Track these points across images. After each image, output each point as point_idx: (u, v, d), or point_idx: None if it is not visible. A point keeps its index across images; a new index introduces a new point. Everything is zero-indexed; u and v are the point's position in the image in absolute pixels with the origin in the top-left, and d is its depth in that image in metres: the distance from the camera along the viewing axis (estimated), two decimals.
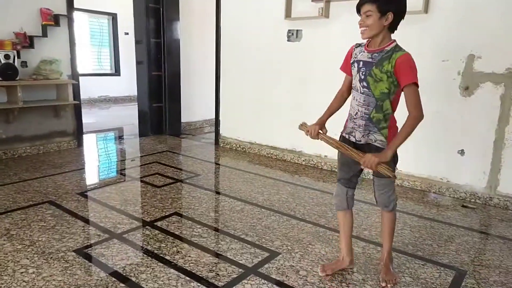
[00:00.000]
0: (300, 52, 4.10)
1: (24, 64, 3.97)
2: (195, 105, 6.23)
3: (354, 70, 1.86)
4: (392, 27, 1.77)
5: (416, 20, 3.21)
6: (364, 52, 1.82)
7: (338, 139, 1.95)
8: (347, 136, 1.95)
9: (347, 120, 1.97)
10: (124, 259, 2.17)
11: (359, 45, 1.89)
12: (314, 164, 4.18)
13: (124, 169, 4.07)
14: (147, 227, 2.61)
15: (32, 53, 4.05)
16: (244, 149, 4.81)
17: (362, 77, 1.81)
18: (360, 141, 1.87)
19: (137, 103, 5.78)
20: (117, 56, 9.13)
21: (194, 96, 6.16)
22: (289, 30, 4.13)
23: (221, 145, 5.06)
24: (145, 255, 2.22)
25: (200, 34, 6.05)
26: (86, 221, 2.67)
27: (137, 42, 5.46)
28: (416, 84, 1.70)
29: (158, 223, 2.67)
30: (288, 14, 4.06)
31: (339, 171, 2.03)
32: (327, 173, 3.96)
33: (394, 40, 1.78)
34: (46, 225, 2.56)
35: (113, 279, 1.98)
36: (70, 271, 2.03)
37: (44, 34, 4.09)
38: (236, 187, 3.46)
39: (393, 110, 1.83)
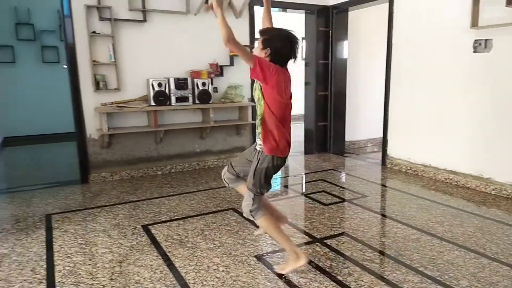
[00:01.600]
0: (490, 65, 3.59)
1: (215, 89, 4.69)
2: (359, 124, 6.15)
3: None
4: (277, 61, 2.07)
5: None
6: None
7: None
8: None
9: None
10: (298, 272, 2.28)
11: None
12: (508, 195, 3.54)
13: (291, 184, 4.30)
14: (317, 243, 2.69)
15: (222, 80, 4.76)
16: (416, 172, 4.46)
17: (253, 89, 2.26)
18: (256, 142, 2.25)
19: (303, 122, 6.07)
20: None
21: (358, 115, 6.08)
22: (475, 40, 3.67)
23: (389, 166, 4.81)
24: (317, 271, 2.29)
25: (367, 52, 5.97)
26: None
27: (306, 65, 5.76)
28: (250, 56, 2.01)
29: (328, 241, 2.71)
30: (475, 23, 3.62)
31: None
32: None
33: None
34: (231, 229, 2.92)
35: None
36: (252, 275, 2.25)
37: (231, 63, 4.76)
38: (408, 213, 3.22)
39: (270, 115, 2.06)
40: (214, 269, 2.32)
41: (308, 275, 2.24)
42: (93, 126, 4.17)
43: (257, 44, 2.12)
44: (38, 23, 6.90)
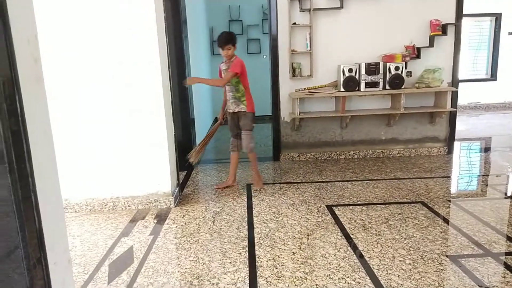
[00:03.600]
0: None
1: (409, 73, 4.39)
2: None
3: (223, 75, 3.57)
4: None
5: None
6: (224, 64, 3.55)
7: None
8: (230, 110, 3.61)
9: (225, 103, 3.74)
10: (503, 282, 1.98)
11: (222, 62, 3.59)
12: None
13: (497, 184, 3.67)
14: None
15: (417, 63, 4.41)
16: None
17: None
18: (235, 110, 3.57)
19: None
20: (495, 59, 8.28)
21: None
22: None
23: None
24: None
25: None
26: (459, 230, 2.63)
27: None
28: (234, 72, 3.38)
29: None
30: None
31: (231, 132, 3.73)
32: None
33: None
34: (419, 223, 2.75)
35: None
36: (443, 275, 2.08)
37: (431, 45, 4.34)
38: None
39: (247, 89, 3.55)
40: (400, 261, 2.25)
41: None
42: (286, 110, 4.57)
43: (226, 50, 3.44)
44: (246, 19, 7.91)
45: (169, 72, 3.35)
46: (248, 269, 2.23)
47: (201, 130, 5.39)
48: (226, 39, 3.41)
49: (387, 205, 3.14)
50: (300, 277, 2.12)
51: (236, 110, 3.57)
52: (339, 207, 3.13)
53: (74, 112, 3.09)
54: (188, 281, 2.13)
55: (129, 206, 3.26)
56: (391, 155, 4.69)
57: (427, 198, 3.23)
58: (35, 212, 1.04)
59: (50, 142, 1.17)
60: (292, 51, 4.37)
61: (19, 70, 0.97)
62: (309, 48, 4.37)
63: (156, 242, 2.63)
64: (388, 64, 4.21)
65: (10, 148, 0.95)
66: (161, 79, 3.08)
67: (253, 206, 3.23)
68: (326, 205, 3.17)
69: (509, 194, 3.38)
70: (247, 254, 2.41)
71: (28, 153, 1.01)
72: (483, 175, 4.02)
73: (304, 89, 4.46)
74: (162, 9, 3.22)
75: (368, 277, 2.08)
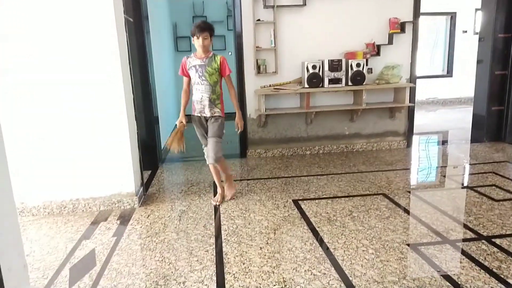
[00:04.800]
0: None
1: (369, 70, 4.52)
2: None
3: (193, 72, 3.05)
4: None
5: None
6: (195, 59, 3.05)
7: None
8: (199, 115, 3.12)
9: (193, 104, 3.14)
10: (458, 267, 2.09)
11: (188, 56, 3.11)
12: None
13: (451, 175, 3.87)
14: (483, 241, 2.39)
15: (377, 60, 4.55)
16: None
17: (200, 74, 3.02)
18: (207, 115, 3.09)
19: (472, 106, 5.32)
20: (451, 56, 8.72)
21: None
22: None
23: None
24: (482, 270, 2.05)
25: None
26: (418, 219, 2.75)
27: (480, 40, 4.99)
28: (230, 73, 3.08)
29: (497, 240, 2.38)
30: None
31: (203, 141, 3.24)
32: None
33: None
34: (381, 214, 2.85)
35: (447, 283, 1.95)
36: (404, 262, 2.17)
37: (390, 42, 4.49)
38: None
39: (221, 91, 3.13)
40: (363, 250, 2.32)
41: (470, 273, 2.03)
42: (252, 106, 4.58)
43: (202, 39, 2.98)
44: (210, 15, 7.83)
45: (130, 68, 3.26)
46: (215, 266, 2.22)
47: (166, 128, 5.29)
48: (206, 25, 2.97)
49: (351, 197, 3.22)
50: (268, 271, 2.13)
51: (209, 115, 3.08)
52: (305, 201, 3.18)
53: (31, 110, 2.94)
54: (153, 281, 2.09)
55: (90, 208, 3.14)
56: (354, 150, 4.82)
57: (388, 190, 3.35)
58: None
59: None
60: (257, 47, 4.37)
61: None
62: (273, 45, 4.39)
63: (119, 244, 2.56)
64: (350, 61, 4.32)
65: None
66: (121, 76, 2.99)
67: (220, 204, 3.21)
68: (292, 200, 3.21)
69: (465, 184, 3.56)
70: (214, 251, 2.40)
71: None
72: (441, 167, 4.22)
73: (270, 85, 4.48)
74: (121, 4, 3.12)
75: (333, 268, 2.13)
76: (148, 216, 3.01)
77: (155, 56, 4.66)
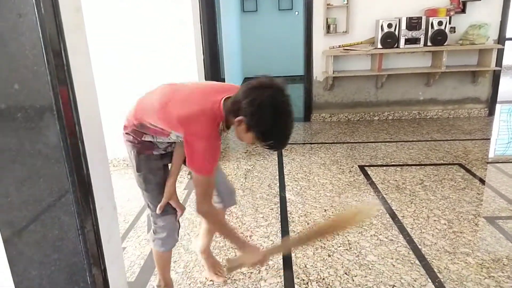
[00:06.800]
0: None
1: (452, 29, 4.11)
2: None
3: None
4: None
5: None
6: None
7: None
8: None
9: None
10: None
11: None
12: None
13: None
14: None
15: (462, 18, 4.11)
16: None
17: None
18: None
19: None
20: None
21: None
22: None
23: None
24: None
25: None
26: (497, 192, 2.55)
27: None
28: None
29: None
30: None
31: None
32: None
33: None
34: (456, 185, 2.68)
35: None
36: (479, 235, 2.05)
37: None
38: None
39: None
40: (435, 220, 2.22)
41: None
42: (319, 68, 4.44)
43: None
44: None
45: (201, 29, 3.30)
46: (280, 223, 2.28)
47: None
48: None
49: (422, 166, 3.07)
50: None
51: None
52: (372, 167, 3.09)
53: (115, 75, 3.13)
54: None
55: None
56: (428, 117, 4.52)
57: (465, 160, 3.12)
58: (82, 159, 1.09)
59: (93, 92, 1.20)
60: (327, 5, 4.16)
61: (64, 21, 0.98)
62: (345, 2, 4.15)
63: (190, 196, 2.72)
64: (430, 18, 3.95)
65: (57, 96, 0.98)
66: (193, 37, 3.04)
67: (284, 165, 3.24)
68: (358, 165, 3.14)
69: None
70: (279, 210, 2.45)
71: (74, 102, 1.04)
72: None
73: (339, 46, 4.29)
74: None
75: (401, 235, 2.08)
76: None
77: (223, 17, 4.67)
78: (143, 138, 1.45)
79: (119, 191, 2.85)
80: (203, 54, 3.39)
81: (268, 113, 1.18)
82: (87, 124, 1.12)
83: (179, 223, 1.58)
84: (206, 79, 3.43)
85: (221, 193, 1.62)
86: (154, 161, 1.48)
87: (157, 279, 1.70)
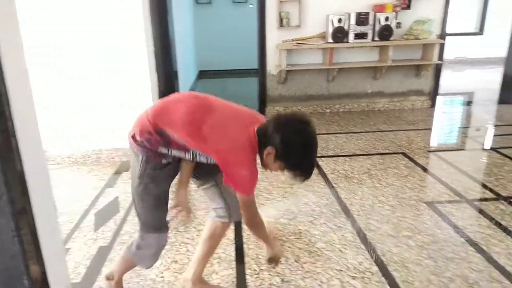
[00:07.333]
0: None
1: (398, 25, 4.30)
2: None
3: None
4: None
5: None
6: None
7: None
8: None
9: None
10: (474, 225, 2.10)
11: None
12: None
13: (478, 136, 3.77)
14: (501, 201, 2.38)
15: (408, 14, 4.31)
16: None
17: None
18: None
19: (503, 66, 5.06)
20: (485, 13, 8.18)
21: None
22: None
23: None
24: (498, 229, 2.05)
25: None
26: (437, 178, 2.74)
27: None
28: None
29: None
30: None
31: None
32: None
33: None
34: (399, 173, 2.84)
35: (462, 239, 1.97)
36: (420, 219, 2.19)
37: None
38: None
39: None
40: (379, 206, 2.35)
41: (486, 231, 2.04)
42: (273, 62, 4.48)
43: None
44: None
45: (150, 19, 3.21)
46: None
47: (185, 83, 5.29)
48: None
49: (369, 156, 3.21)
50: (284, 223, 2.19)
51: None
52: (323, 158, 3.19)
53: (58, 69, 2.97)
54: (174, 228, 2.19)
55: (112, 158, 3.24)
56: (376, 109, 4.72)
57: (408, 149, 3.31)
58: (16, 155, 1.03)
59: (27, 84, 1.13)
60: None
61: None
62: None
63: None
64: (378, 14, 4.12)
65: None
66: (143, 26, 2.96)
67: None
68: None
69: (488, 146, 3.48)
70: None
71: (6, 96, 0.98)
72: (464, 127, 4.12)
73: (292, 40, 4.36)
74: None
75: (348, 222, 2.18)
76: None
77: (175, 9, 4.56)
78: (158, 150, 1.37)
79: (63, 190, 2.72)
80: (154, 46, 3.31)
81: (298, 148, 1.29)
82: (21, 119, 1.05)
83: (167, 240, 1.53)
84: (158, 71, 3.36)
85: (230, 207, 1.59)
86: (159, 170, 1.40)
87: (109, 271, 1.62)
